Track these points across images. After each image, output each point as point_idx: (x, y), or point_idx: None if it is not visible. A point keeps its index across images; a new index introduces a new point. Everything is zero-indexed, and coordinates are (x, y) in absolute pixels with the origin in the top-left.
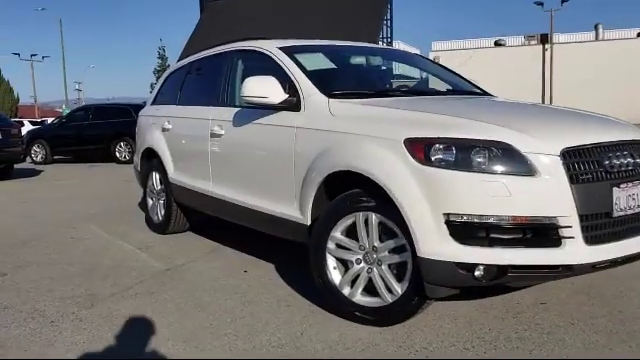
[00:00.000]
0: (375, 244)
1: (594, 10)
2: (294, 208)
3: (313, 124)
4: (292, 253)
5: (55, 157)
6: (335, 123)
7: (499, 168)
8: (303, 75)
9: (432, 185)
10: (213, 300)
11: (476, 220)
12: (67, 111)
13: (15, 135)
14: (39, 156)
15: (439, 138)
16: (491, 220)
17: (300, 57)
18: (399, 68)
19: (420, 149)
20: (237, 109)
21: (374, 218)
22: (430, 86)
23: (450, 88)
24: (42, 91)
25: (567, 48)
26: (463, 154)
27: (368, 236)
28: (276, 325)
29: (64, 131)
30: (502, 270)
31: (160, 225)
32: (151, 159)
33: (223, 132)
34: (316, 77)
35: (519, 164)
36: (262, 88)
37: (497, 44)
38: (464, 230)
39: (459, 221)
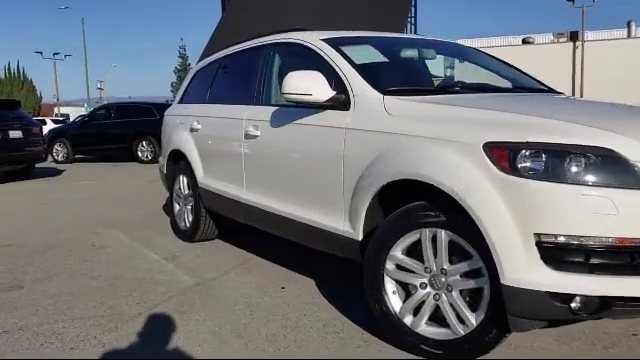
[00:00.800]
0: (444, 266)
1: (626, 6)
2: (342, 220)
3: (366, 124)
4: (334, 266)
5: (77, 156)
6: (393, 123)
7: (602, 179)
8: (352, 69)
9: (519, 199)
10: (251, 323)
11: (574, 242)
12: (89, 110)
13: (36, 134)
14: (60, 155)
15: (527, 143)
16: (592, 242)
17: (347, 50)
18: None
19: (503, 155)
20: (275, 108)
21: (443, 236)
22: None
23: (513, 85)
24: (64, 90)
25: (598, 46)
26: (557, 162)
27: (435, 257)
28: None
29: (86, 130)
30: (605, 303)
31: (187, 232)
32: (178, 161)
33: (259, 133)
34: (367, 72)
35: (627, 175)
36: (306, 84)
37: (525, 42)
38: (559, 254)
39: (553, 243)
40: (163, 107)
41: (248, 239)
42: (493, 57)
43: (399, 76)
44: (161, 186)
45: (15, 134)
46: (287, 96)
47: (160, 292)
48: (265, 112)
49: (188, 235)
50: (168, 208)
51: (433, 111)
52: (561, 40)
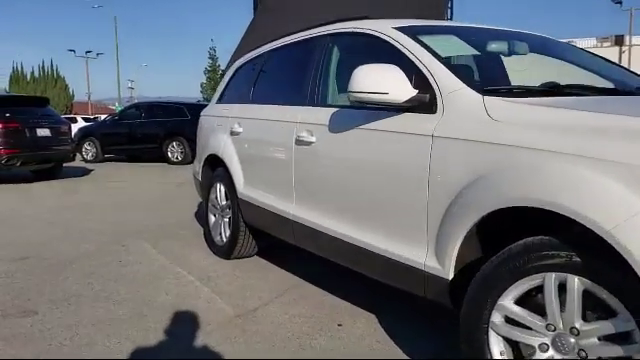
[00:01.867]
0: (576, 324)
1: None
2: (425, 252)
3: (460, 132)
4: (400, 298)
5: (106, 156)
6: (501, 131)
7: None
8: (439, 63)
9: None
10: None
11: None
12: (119, 108)
13: (64, 133)
14: (90, 154)
15: None
16: None
17: (427, 41)
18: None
19: None
20: (335, 109)
21: (576, 284)
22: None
23: (620, 85)
24: (96, 89)
25: None
26: None
27: (563, 310)
28: None
29: (116, 129)
30: None
31: (223, 248)
32: (215, 168)
33: (314, 139)
34: (457, 66)
35: None
36: (380, 81)
37: None
38: None
39: None
40: (195, 107)
41: (292, 258)
42: (595, 55)
43: (497, 72)
44: (192, 190)
45: (43, 132)
46: (356, 95)
47: (195, 324)
48: (322, 114)
49: (224, 251)
50: (200, 216)
51: (558, 117)
52: (605, 45)
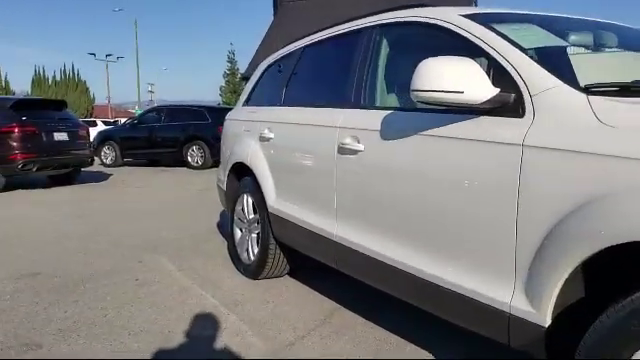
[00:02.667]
0: None
1: None
2: (511, 290)
3: (562, 140)
4: (452, 330)
5: (125, 160)
6: (619, 140)
7: None
8: (525, 56)
9: None
10: None
11: None
12: (139, 112)
13: (83, 137)
14: (109, 158)
15: None
16: None
17: (505, 30)
18: None
19: None
20: (387, 112)
21: None
22: None
23: None
24: (116, 92)
25: None
26: None
27: None
28: None
29: (135, 133)
30: None
31: (251, 267)
32: (242, 177)
33: (361, 147)
34: (548, 60)
35: None
36: (453, 77)
37: None
38: None
39: None
40: (215, 110)
41: (329, 278)
42: None
43: (594, 67)
44: (213, 197)
45: (60, 136)
46: (422, 94)
47: None
48: (371, 118)
49: (251, 271)
50: (224, 228)
51: None
52: None
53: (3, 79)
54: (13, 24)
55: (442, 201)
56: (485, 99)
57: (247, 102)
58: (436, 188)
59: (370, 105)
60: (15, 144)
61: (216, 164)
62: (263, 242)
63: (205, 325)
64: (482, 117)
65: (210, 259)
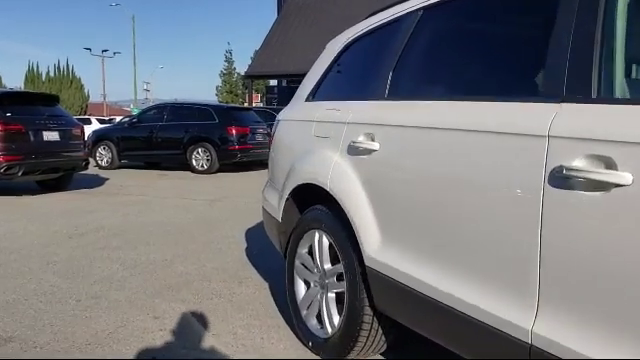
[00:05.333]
0: None
1: None
2: None
3: None
4: None
5: (122, 161)
6: None
7: None
8: None
9: None
10: None
11: None
12: (136, 110)
13: (77, 137)
14: (104, 160)
15: None
16: None
17: None
18: None
19: None
20: None
21: None
22: None
23: None
24: (111, 90)
25: None
26: None
27: None
28: None
29: (134, 132)
30: None
31: (329, 344)
32: (312, 205)
33: (627, 180)
34: None
35: None
36: None
37: None
38: None
39: None
40: (223, 110)
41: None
42: None
43: None
44: (228, 209)
45: (51, 136)
46: None
47: None
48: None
49: (329, 349)
50: (258, 259)
51: None
52: None
53: None
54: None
55: None
56: None
57: (313, 95)
58: None
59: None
60: None
61: (223, 169)
62: (352, 310)
63: None
64: None
65: (253, 315)
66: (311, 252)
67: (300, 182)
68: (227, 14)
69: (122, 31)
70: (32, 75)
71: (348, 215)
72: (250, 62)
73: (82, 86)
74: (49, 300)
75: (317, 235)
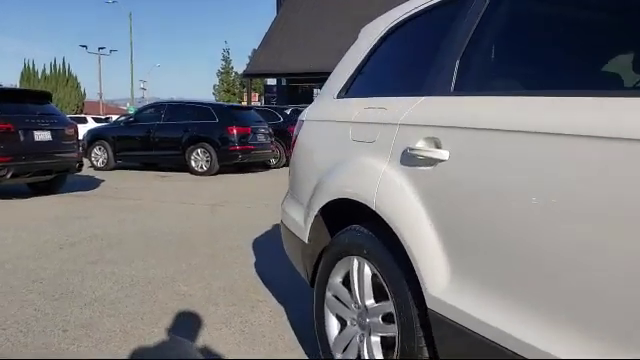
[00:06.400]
0: None
1: None
2: None
3: None
4: None
5: (118, 162)
6: None
7: None
8: None
9: None
10: None
11: None
12: (132, 109)
13: (70, 137)
14: (100, 160)
15: None
16: None
17: None
18: None
19: None
20: None
21: None
22: None
23: None
24: (107, 89)
25: None
26: None
27: None
28: None
29: (131, 132)
30: None
31: None
32: (350, 225)
33: None
34: None
35: None
36: None
37: None
38: None
39: None
40: (223, 109)
41: None
42: None
43: None
44: (229, 215)
45: (42, 136)
46: None
47: None
48: None
49: None
50: (268, 273)
51: None
52: None
53: None
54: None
55: None
56: None
57: (346, 91)
58: None
59: None
60: None
61: (223, 170)
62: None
63: None
64: None
65: (270, 350)
66: (347, 283)
67: (334, 197)
68: (225, 12)
69: (118, 30)
70: (28, 73)
71: (403, 241)
72: (248, 61)
73: (78, 84)
74: (31, 329)
75: (356, 263)
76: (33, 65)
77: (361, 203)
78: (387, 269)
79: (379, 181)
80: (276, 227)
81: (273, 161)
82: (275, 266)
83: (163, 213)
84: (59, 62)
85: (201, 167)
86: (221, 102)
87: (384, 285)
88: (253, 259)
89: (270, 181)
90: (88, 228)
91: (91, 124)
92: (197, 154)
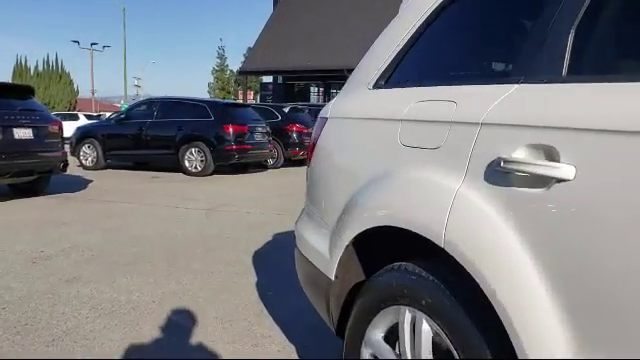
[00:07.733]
0: None
1: None
2: None
3: None
4: None
5: (108, 161)
6: None
7: None
8: None
9: None
10: None
11: None
12: (125, 106)
13: (54, 134)
14: (89, 159)
15: None
16: None
17: None
18: None
19: None
20: None
21: None
22: None
23: None
24: (101, 86)
25: None
26: None
27: None
28: None
29: (121, 130)
30: None
31: None
32: (396, 262)
33: None
34: None
35: None
36: None
37: None
38: None
39: None
40: (219, 106)
41: None
42: None
43: None
44: (227, 223)
45: (23, 133)
46: None
47: None
48: None
49: None
50: (273, 298)
51: None
52: None
53: None
54: None
55: None
56: None
57: (386, 80)
58: None
59: None
60: None
61: (219, 170)
62: None
63: None
64: None
65: None
66: (393, 340)
67: (375, 224)
68: (221, 10)
69: (113, 26)
70: (20, 69)
71: (491, 296)
72: (243, 59)
73: (71, 81)
74: None
75: (408, 316)
76: (25, 61)
77: (419, 235)
78: (459, 330)
79: (451, 206)
80: (281, 236)
81: (270, 161)
82: (283, 288)
83: (153, 219)
84: (52, 58)
85: (195, 167)
86: (217, 99)
87: (454, 352)
88: (255, 278)
89: (269, 183)
90: (68, 236)
91: (83, 121)
92: (191, 153)
